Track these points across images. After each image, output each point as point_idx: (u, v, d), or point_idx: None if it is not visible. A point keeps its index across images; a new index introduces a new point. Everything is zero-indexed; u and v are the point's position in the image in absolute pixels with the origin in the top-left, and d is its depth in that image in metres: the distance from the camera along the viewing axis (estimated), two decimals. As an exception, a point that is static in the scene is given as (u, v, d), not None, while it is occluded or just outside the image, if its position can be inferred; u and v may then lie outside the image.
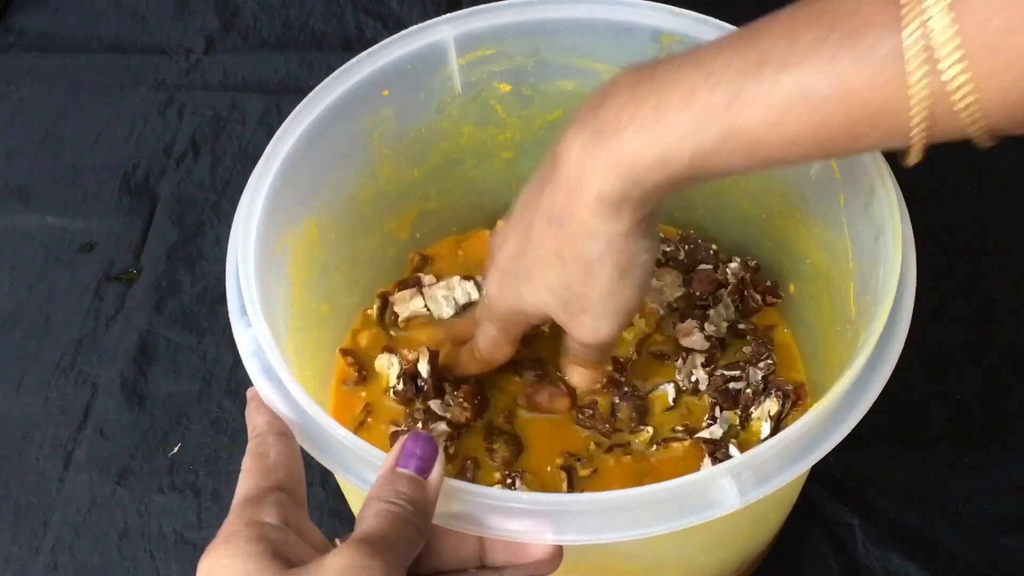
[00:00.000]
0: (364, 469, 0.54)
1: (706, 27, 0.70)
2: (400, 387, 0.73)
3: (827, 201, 0.69)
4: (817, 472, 0.73)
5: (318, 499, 0.78)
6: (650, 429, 0.72)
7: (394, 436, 0.72)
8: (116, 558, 0.78)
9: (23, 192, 1.00)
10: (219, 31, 1.13)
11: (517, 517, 0.52)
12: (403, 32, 0.72)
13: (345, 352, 0.77)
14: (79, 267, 0.94)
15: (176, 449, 0.83)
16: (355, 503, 0.74)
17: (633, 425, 0.72)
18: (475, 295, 0.79)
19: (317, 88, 0.69)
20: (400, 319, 0.79)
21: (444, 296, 0.79)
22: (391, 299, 0.80)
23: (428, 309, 0.79)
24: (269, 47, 1.11)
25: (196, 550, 0.77)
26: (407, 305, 0.79)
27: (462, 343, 0.74)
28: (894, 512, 0.77)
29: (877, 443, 0.79)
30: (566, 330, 0.64)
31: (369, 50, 0.71)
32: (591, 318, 0.61)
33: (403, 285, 0.81)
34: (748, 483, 0.53)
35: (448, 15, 0.72)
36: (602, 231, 0.56)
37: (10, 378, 0.88)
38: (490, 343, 0.70)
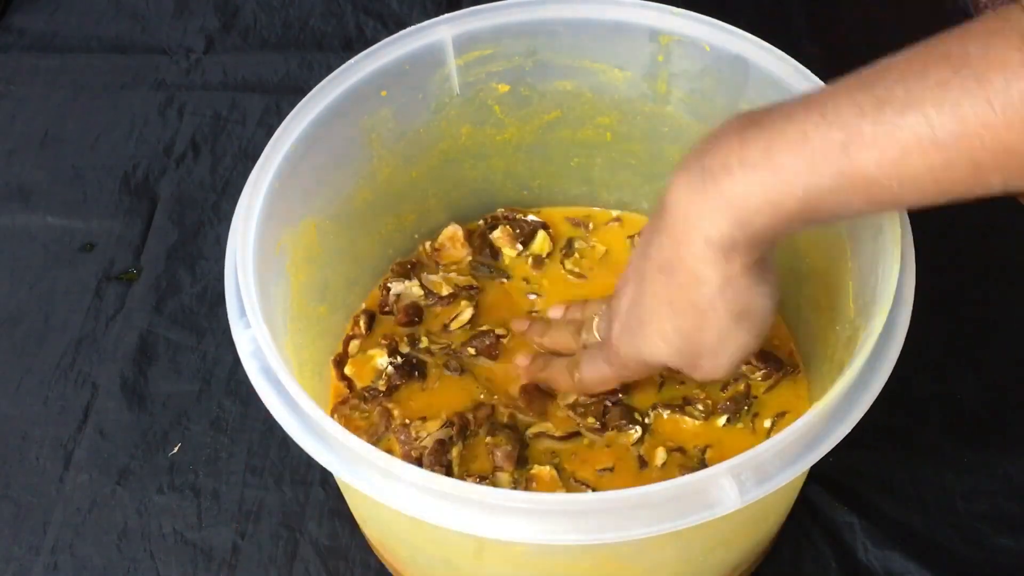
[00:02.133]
0: (364, 469, 0.54)
1: (704, 27, 0.71)
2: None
3: (826, 200, 0.69)
4: (817, 472, 0.74)
5: (318, 499, 0.78)
6: (638, 429, 0.73)
7: None
8: (116, 558, 0.77)
9: (23, 192, 1.00)
10: (219, 31, 1.12)
11: (517, 517, 0.52)
12: (401, 32, 0.72)
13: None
14: (79, 267, 0.94)
15: (176, 449, 0.82)
16: (354, 503, 0.74)
17: (622, 423, 0.73)
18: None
19: (315, 89, 0.69)
20: (391, 292, 0.81)
21: (443, 278, 0.81)
22: (389, 284, 0.81)
23: (424, 288, 0.81)
24: (269, 47, 1.11)
25: (196, 550, 0.77)
26: (403, 284, 0.81)
27: (555, 353, 0.75)
28: (894, 512, 0.77)
29: (877, 443, 0.79)
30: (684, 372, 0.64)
31: (367, 51, 0.71)
32: (708, 362, 0.61)
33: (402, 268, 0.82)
34: (748, 483, 0.53)
35: (446, 15, 0.73)
36: (712, 278, 0.56)
37: (10, 378, 0.87)
38: (597, 379, 0.71)
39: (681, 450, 0.73)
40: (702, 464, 0.72)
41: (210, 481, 0.81)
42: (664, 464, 0.72)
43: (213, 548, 0.77)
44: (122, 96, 1.07)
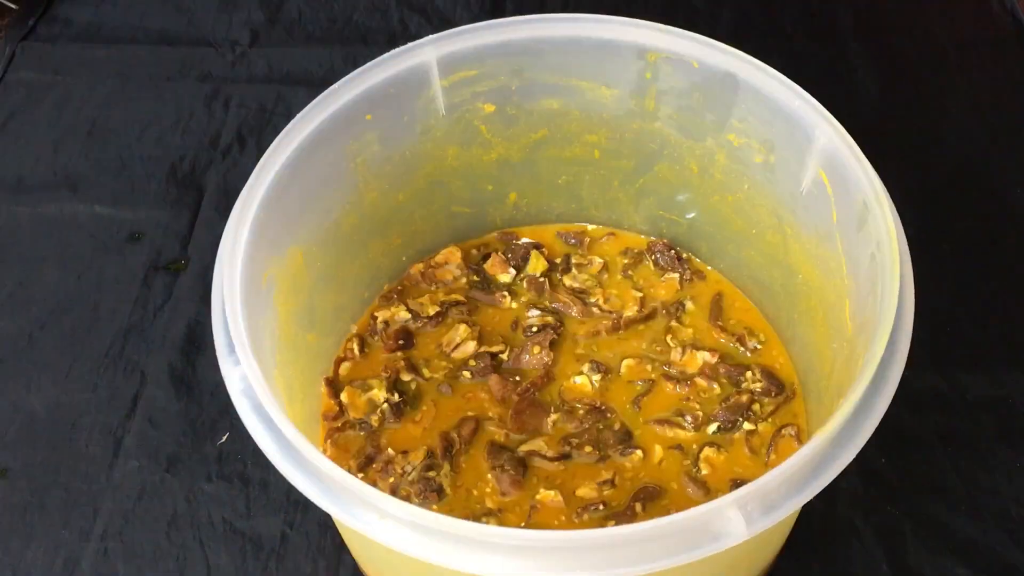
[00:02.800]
0: (359, 508, 0.54)
1: (692, 44, 0.69)
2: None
3: (819, 217, 0.68)
4: (870, 474, 0.74)
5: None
6: (640, 452, 0.72)
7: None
8: (165, 545, 0.79)
9: (71, 182, 1.01)
10: (264, 24, 1.13)
11: (521, 555, 0.52)
12: (385, 55, 0.71)
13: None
14: (127, 257, 0.95)
15: (224, 438, 0.83)
16: (351, 540, 0.74)
17: (622, 448, 0.73)
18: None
19: (299, 115, 0.69)
20: (379, 320, 0.80)
21: (428, 298, 0.81)
22: (376, 313, 0.81)
23: (410, 311, 0.80)
24: (314, 41, 1.12)
25: (244, 539, 0.78)
26: (388, 311, 0.80)
27: None
28: (946, 516, 0.76)
29: (929, 446, 0.78)
30: None
31: (351, 75, 0.70)
32: None
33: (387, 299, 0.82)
34: (754, 513, 0.53)
35: (430, 36, 0.72)
36: None
37: (59, 366, 0.89)
38: None
39: (680, 448, 0.72)
40: (698, 465, 0.72)
41: (258, 471, 0.81)
42: (661, 461, 0.72)
43: (262, 537, 0.78)
44: (168, 88, 1.08)
